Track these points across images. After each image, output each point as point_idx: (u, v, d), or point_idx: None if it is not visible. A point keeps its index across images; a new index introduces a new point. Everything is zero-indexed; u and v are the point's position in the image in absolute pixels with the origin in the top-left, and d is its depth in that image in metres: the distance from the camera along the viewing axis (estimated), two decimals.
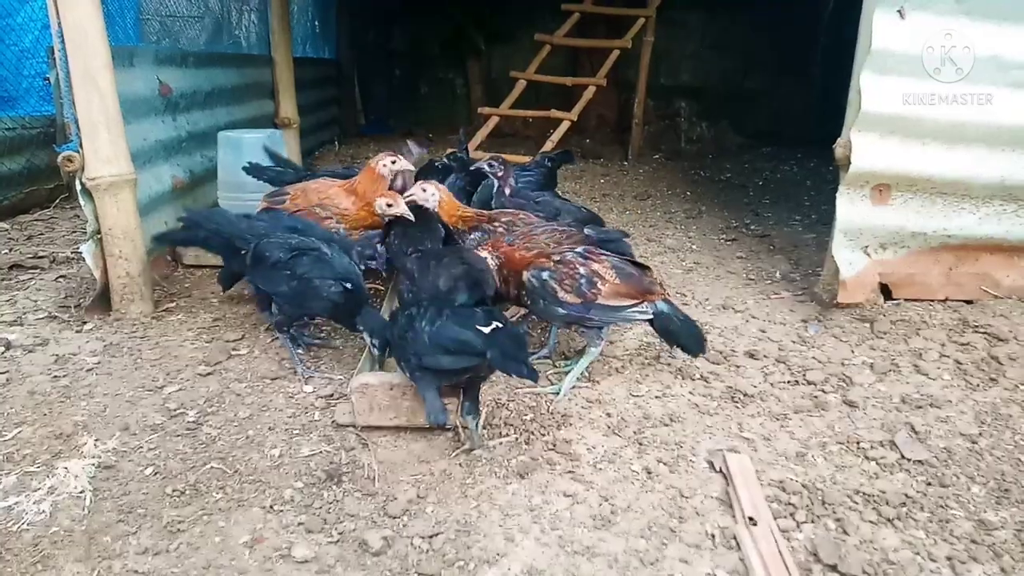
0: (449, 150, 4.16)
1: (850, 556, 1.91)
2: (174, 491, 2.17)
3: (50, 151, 5.35)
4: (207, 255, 3.97)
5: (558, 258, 2.73)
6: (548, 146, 6.39)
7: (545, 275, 2.69)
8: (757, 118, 9.93)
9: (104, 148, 3.21)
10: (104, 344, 3.12)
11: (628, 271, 2.76)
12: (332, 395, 2.76)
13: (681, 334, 2.79)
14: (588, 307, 2.69)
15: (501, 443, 2.44)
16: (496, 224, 3.05)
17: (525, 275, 2.71)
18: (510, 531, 2.02)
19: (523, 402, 2.71)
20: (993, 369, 2.94)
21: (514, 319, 3.29)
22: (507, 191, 3.43)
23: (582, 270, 2.69)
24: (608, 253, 2.82)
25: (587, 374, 2.91)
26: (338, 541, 1.98)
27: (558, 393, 2.76)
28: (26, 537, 1.96)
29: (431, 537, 1.99)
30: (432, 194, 2.91)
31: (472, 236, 3.01)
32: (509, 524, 2.05)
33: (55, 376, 2.84)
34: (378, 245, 3.00)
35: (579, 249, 2.77)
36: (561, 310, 2.70)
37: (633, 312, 2.75)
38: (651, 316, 2.75)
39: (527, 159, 4.71)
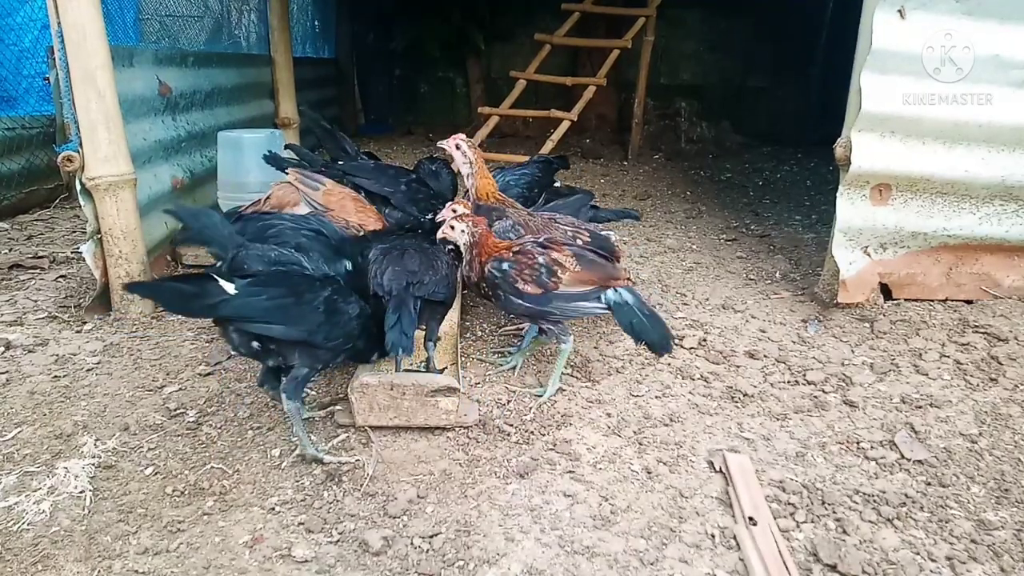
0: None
1: (850, 556, 1.91)
2: (174, 491, 2.17)
3: (50, 151, 5.36)
4: (208, 256, 3.97)
5: (517, 248, 2.68)
6: (548, 146, 6.39)
7: (505, 265, 2.64)
8: (757, 118, 9.94)
9: (104, 148, 3.22)
10: (104, 344, 3.13)
11: (589, 258, 2.70)
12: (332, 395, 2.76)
13: (645, 331, 2.61)
14: (548, 298, 2.63)
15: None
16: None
17: (486, 267, 2.67)
18: (510, 531, 2.02)
19: (523, 402, 2.71)
20: (993, 369, 2.94)
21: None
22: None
23: (541, 259, 2.64)
24: (571, 243, 2.78)
25: (568, 371, 2.92)
26: (338, 541, 1.98)
27: (542, 396, 2.75)
28: (26, 537, 1.96)
29: (431, 537, 1.99)
30: (462, 231, 2.81)
31: (496, 225, 2.96)
32: (509, 524, 2.05)
33: (55, 376, 2.84)
34: None
35: (541, 239, 2.74)
36: (522, 302, 2.63)
37: (592, 305, 2.66)
38: (607, 308, 2.65)
39: (526, 159, 4.70)
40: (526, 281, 2.61)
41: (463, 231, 2.71)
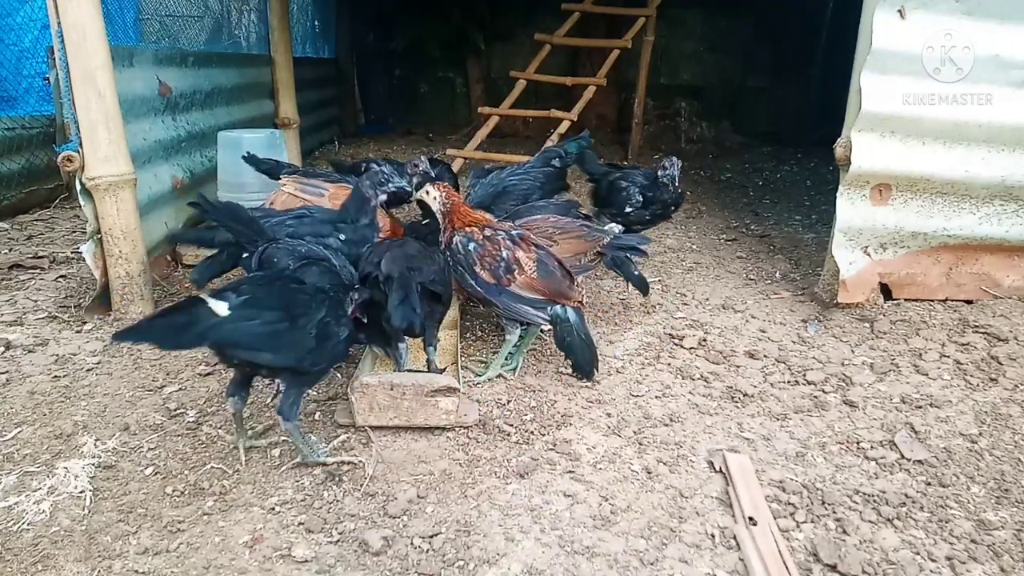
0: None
1: (850, 556, 1.91)
2: (174, 491, 2.17)
3: (50, 151, 5.36)
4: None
5: (490, 233, 2.74)
6: (548, 145, 6.38)
7: (472, 245, 2.71)
8: (757, 118, 9.94)
9: (104, 148, 3.21)
10: (104, 344, 3.12)
11: (550, 269, 2.74)
12: (332, 395, 2.76)
13: (575, 351, 2.76)
14: (499, 290, 2.70)
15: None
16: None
17: (456, 237, 2.74)
18: (510, 531, 2.02)
19: (523, 402, 2.71)
20: (993, 369, 2.94)
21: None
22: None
23: (504, 253, 2.70)
24: (541, 246, 2.82)
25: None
26: (338, 541, 1.98)
27: (480, 377, 2.86)
28: (26, 537, 1.96)
29: (431, 537, 1.99)
30: (435, 198, 2.90)
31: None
32: (509, 524, 2.05)
33: (55, 376, 2.84)
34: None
35: (514, 232, 2.78)
36: (475, 284, 2.73)
37: (535, 313, 2.72)
38: (549, 321, 2.73)
39: (528, 159, 4.67)
40: (483, 267, 2.69)
41: (435, 198, 2.82)
